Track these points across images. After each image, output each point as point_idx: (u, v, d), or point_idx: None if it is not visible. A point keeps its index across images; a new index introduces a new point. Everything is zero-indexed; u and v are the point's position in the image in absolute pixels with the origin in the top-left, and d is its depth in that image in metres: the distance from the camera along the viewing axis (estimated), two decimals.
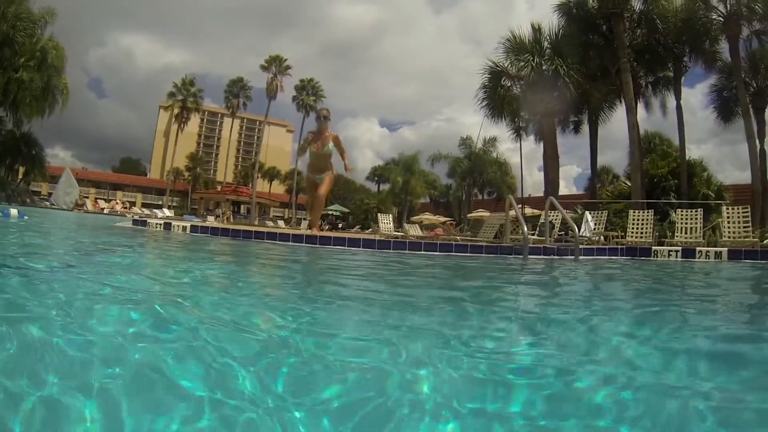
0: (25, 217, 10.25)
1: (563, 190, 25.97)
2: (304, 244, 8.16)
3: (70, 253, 4.37)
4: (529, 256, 7.75)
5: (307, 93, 51.57)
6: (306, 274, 4.60)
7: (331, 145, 8.66)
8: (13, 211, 10.36)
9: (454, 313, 2.55)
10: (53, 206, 35.36)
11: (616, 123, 26.43)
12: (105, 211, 47.15)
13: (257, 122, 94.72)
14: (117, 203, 56.55)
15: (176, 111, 57.02)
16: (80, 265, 3.43)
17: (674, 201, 19.01)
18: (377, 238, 10.31)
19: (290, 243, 8.32)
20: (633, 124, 22.36)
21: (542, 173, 26.16)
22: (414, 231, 16.29)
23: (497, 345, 1.87)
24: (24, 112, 35.10)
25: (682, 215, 12.18)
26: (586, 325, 2.33)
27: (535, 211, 20.03)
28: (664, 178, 21.87)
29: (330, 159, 8.83)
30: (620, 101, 24.70)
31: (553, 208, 10.80)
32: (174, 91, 56.12)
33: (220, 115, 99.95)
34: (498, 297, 3.49)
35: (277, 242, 8.65)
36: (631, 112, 22.49)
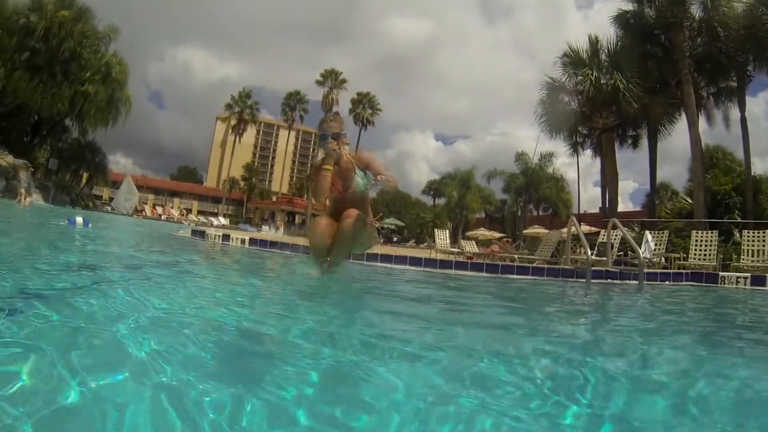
0: (90, 226, 10.18)
1: (619, 207, 25.47)
2: (367, 263, 8.41)
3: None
4: (591, 280, 7.76)
5: (364, 106, 52.42)
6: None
7: (361, 178, 4.44)
8: (79, 219, 10.27)
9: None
10: (114, 211, 37.26)
11: (674, 136, 25.82)
12: (162, 218, 49.13)
13: (312, 134, 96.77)
14: (172, 208, 58.74)
15: (233, 122, 58.81)
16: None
17: (740, 220, 18.38)
18: (438, 257, 10.48)
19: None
20: (695, 139, 21.74)
21: (597, 188, 25.88)
22: (470, 247, 16.36)
23: None
24: (89, 122, 37.69)
25: (748, 236, 11.83)
26: None
27: (592, 228, 19.74)
28: (728, 195, 21.17)
29: (366, 200, 4.60)
30: (680, 114, 24.12)
31: (614, 228, 10.71)
32: (231, 103, 57.99)
33: (276, 126, 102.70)
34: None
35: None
36: (693, 126, 21.87)
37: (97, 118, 37.28)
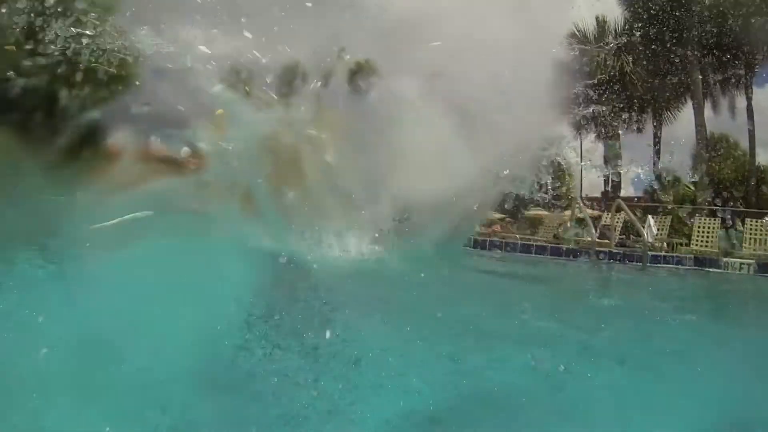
0: None
1: (621, 191, 25.36)
2: None
3: None
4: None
5: (362, 76, 51.97)
6: None
7: None
8: None
9: None
10: None
11: (678, 124, 25.52)
12: None
13: None
14: None
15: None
16: None
17: (743, 209, 18.29)
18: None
19: None
20: (701, 125, 21.55)
21: (599, 172, 25.61)
22: None
23: None
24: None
25: (751, 225, 11.76)
26: None
27: (594, 212, 19.61)
28: (731, 184, 21.06)
29: None
30: (686, 100, 23.84)
31: (619, 210, 10.62)
32: (230, 76, 57.31)
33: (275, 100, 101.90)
34: None
35: None
36: (699, 112, 21.66)
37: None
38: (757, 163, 22.20)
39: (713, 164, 22.45)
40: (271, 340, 2.23)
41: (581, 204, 9.20)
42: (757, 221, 11.63)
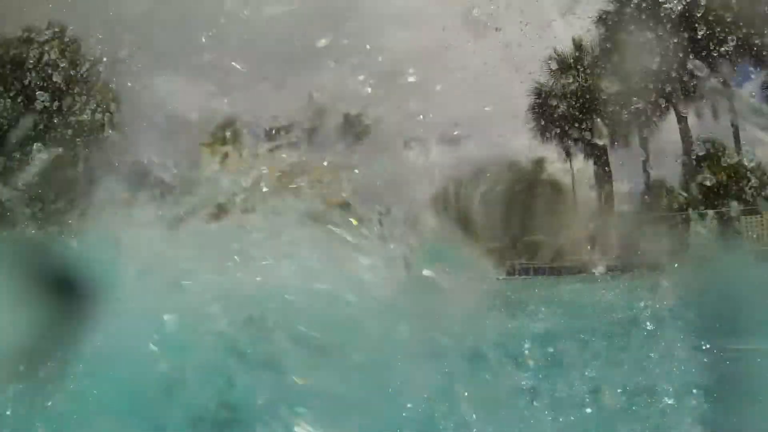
0: None
1: (615, 207, 25.37)
2: None
3: None
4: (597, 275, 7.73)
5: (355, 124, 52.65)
6: None
7: None
8: None
9: None
10: None
11: (665, 134, 25.69)
12: None
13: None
14: None
15: (221, 150, 58.76)
16: None
17: (739, 207, 18.32)
18: None
19: None
20: (685, 132, 21.78)
21: (593, 192, 25.73)
22: None
23: None
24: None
25: (747, 222, 11.78)
26: None
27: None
28: (723, 186, 21.12)
29: None
30: (669, 109, 24.09)
31: (613, 227, 10.66)
32: (216, 130, 57.93)
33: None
34: None
35: None
36: (682, 120, 21.93)
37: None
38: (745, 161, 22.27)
39: (707, 168, 22.50)
40: None
41: (575, 225, 9.27)
42: (752, 218, 11.66)
